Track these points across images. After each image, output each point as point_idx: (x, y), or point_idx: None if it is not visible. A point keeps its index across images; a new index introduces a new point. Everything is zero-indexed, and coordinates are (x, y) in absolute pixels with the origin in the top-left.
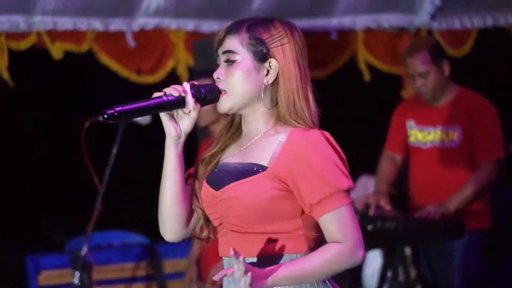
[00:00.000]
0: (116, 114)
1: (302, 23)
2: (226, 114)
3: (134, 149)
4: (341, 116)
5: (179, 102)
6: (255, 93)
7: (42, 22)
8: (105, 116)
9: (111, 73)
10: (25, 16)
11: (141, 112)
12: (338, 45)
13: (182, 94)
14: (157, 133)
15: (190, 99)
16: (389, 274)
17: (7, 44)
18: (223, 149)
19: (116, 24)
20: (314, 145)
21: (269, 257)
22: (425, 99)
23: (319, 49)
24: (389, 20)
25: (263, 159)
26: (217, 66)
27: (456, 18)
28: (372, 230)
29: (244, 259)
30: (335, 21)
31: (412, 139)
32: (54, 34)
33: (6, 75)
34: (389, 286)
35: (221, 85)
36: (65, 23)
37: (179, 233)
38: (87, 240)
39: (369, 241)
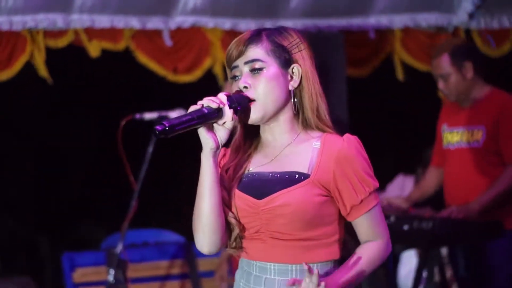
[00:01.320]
0: (167, 128)
1: (339, 22)
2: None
3: (170, 147)
4: (377, 115)
5: (218, 114)
6: (283, 99)
7: (79, 20)
8: (157, 132)
9: (148, 71)
10: (62, 14)
11: (187, 125)
12: (376, 44)
13: (220, 106)
14: (191, 132)
15: (227, 110)
16: (424, 274)
17: (45, 41)
18: (247, 158)
19: (153, 23)
20: (352, 148)
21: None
22: (451, 100)
23: (359, 49)
24: (427, 19)
25: (302, 167)
26: (232, 78)
27: (495, 17)
28: (408, 230)
29: (318, 272)
30: (372, 20)
31: (444, 142)
32: (91, 32)
33: (44, 72)
34: (424, 286)
35: (250, 94)
36: (102, 21)
37: (217, 245)
38: (122, 238)
39: (405, 241)
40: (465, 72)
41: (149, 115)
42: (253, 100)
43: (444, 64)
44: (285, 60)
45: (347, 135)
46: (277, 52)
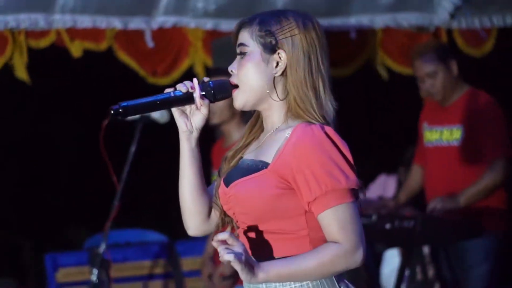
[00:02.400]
0: (120, 110)
1: (320, 22)
2: (240, 114)
3: (153, 147)
4: (360, 116)
5: (188, 98)
6: (265, 85)
7: (61, 20)
8: (112, 112)
9: (131, 71)
10: (44, 14)
11: (148, 107)
12: (358, 45)
13: (190, 90)
14: (175, 131)
15: (197, 96)
16: (407, 273)
17: (26, 42)
18: (245, 146)
19: (135, 23)
20: (313, 141)
21: (271, 258)
22: (436, 100)
23: (340, 49)
24: (408, 19)
25: (269, 156)
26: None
27: (476, 17)
28: (390, 229)
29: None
30: (353, 20)
31: (424, 140)
32: (73, 32)
33: (24, 75)
34: (407, 286)
35: (233, 79)
36: (85, 21)
37: (201, 228)
38: (105, 238)
39: (387, 240)
40: (451, 70)
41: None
42: (236, 86)
43: (431, 62)
44: (271, 46)
45: (314, 127)
46: (263, 36)
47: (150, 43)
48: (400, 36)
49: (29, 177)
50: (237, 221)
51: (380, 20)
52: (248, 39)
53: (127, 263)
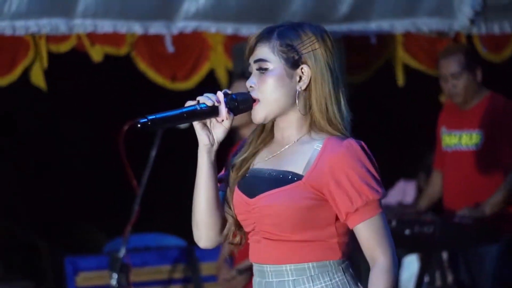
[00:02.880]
0: (149, 123)
1: (340, 27)
2: None
3: (173, 152)
4: (379, 120)
5: (213, 111)
6: (288, 100)
7: (82, 25)
8: (139, 125)
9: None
10: (65, 19)
11: (174, 121)
12: (378, 50)
13: (216, 104)
14: (195, 136)
15: (223, 109)
16: (426, 279)
17: (47, 46)
18: (254, 154)
19: (155, 28)
20: (350, 154)
21: (302, 264)
22: (456, 102)
23: (359, 54)
24: (428, 24)
25: (298, 167)
26: (250, 74)
27: (496, 23)
28: (410, 235)
29: None
30: (373, 25)
31: (443, 144)
32: (94, 37)
33: (41, 82)
34: None
35: (254, 94)
36: (105, 26)
37: (213, 240)
38: (125, 242)
39: (407, 246)
40: (475, 76)
41: None
42: (257, 100)
43: (458, 63)
44: (293, 60)
45: (348, 140)
46: (285, 51)
47: (170, 48)
48: (420, 41)
49: (48, 178)
50: (253, 230)
51: (400, 25)
52: (269, 54)
53: (146, 268)
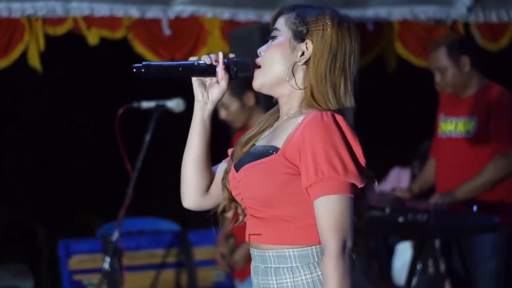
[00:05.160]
0: (143, 69)
1: None
2: (257, 116)
3: (168, 136)
4: (373, 108)
5: (210, 70)
6: (285, 71)
7: (79, 8)
8: (134, 69)
9: (148, 59)
10: (62, 1)
11: (170, 71)
12: (374, 37)
13: (214, 63)
14: (190, 121)
15: (220, 69)
16: (419, 266)
17: (43, 29)
18: (260, 133)
19: (152, 12)
20: (319, 127)
21: (282, 250)
22: (447, 92)
23: None
24: (425, 11)
25: (280, 141)
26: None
27: (493, 11)
28: (403, 222)
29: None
30: (371, 12)
31: (439, 131)
32: (90, 20)
33: (37, 64)
34: (418, 279)
35: (259, 60)
36: (102, 9)
37: (196, 201)
38: (119, 226)
39: (400, 233)
40: (462, 66)
41: (146, 104)
42: (259, 67)
43: (441, 57)
44: (300, 34)
45: (325, 115)
46: (296, 23)
47: (166, 31)
48: (417, 29)
49: (44, 162)
50: (245, 207)
51: (397, 13)
52: (282, 24)
53: (140, 252)
